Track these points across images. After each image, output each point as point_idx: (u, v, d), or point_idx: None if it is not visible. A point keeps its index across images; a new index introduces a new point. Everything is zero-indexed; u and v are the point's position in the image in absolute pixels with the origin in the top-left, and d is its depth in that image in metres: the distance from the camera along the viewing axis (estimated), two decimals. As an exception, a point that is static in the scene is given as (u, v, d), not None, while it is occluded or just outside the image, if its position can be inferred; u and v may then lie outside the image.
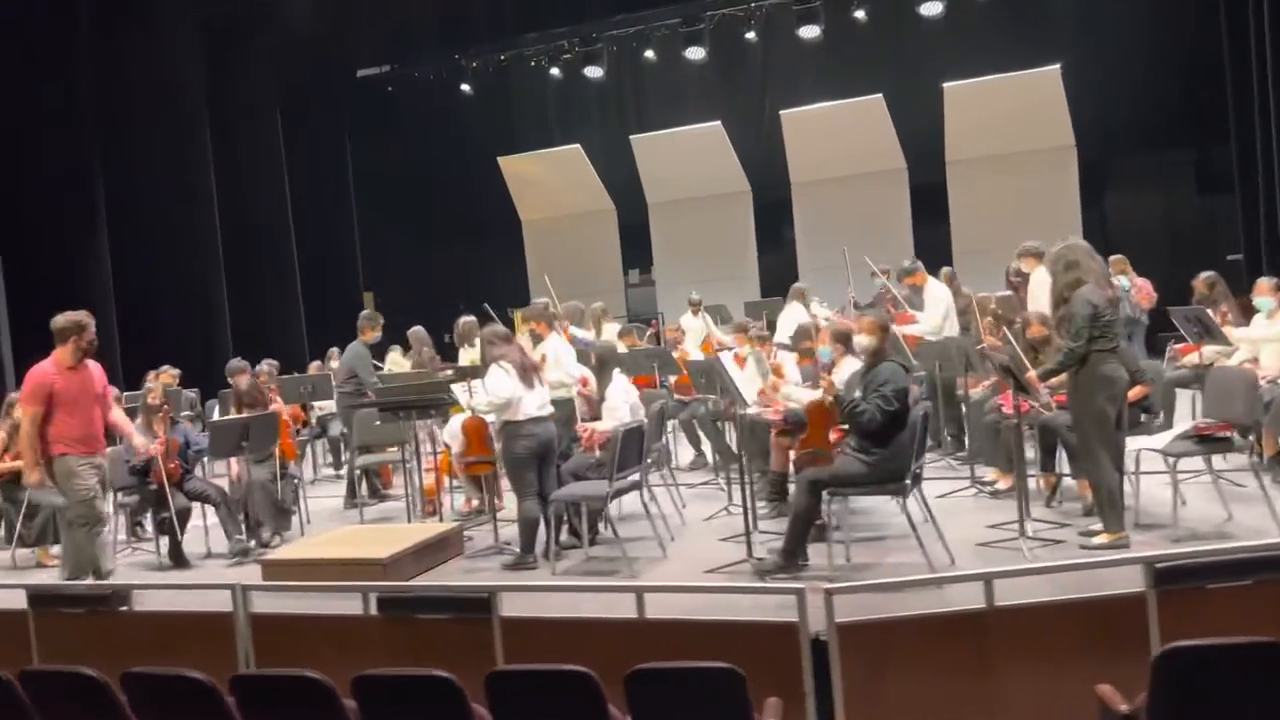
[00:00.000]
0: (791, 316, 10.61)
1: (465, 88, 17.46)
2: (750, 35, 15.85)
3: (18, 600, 6.00)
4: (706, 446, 8.79)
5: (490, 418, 6.30)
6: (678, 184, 16.33)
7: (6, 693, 4.01)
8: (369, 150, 17.92)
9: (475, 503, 8.02)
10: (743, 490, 5.92)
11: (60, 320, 6.14)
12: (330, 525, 8.14)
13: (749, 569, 5.61)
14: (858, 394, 5.25)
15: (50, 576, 7.21)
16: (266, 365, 10.03)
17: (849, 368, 5.95)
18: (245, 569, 7.05)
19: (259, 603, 5.33)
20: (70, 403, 6.12)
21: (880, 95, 14.55)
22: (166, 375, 10.30)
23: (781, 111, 15.24)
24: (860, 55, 15.36)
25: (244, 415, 7.26)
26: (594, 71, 16.73)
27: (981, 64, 14.13)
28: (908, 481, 5.28)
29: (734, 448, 8.75)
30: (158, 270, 13.22)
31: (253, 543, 7.36)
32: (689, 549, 6.33)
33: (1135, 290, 10.15)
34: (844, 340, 6.05)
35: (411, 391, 7.33)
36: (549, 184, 17.12)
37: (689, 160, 15.88)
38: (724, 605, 5.01)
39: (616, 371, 6.57)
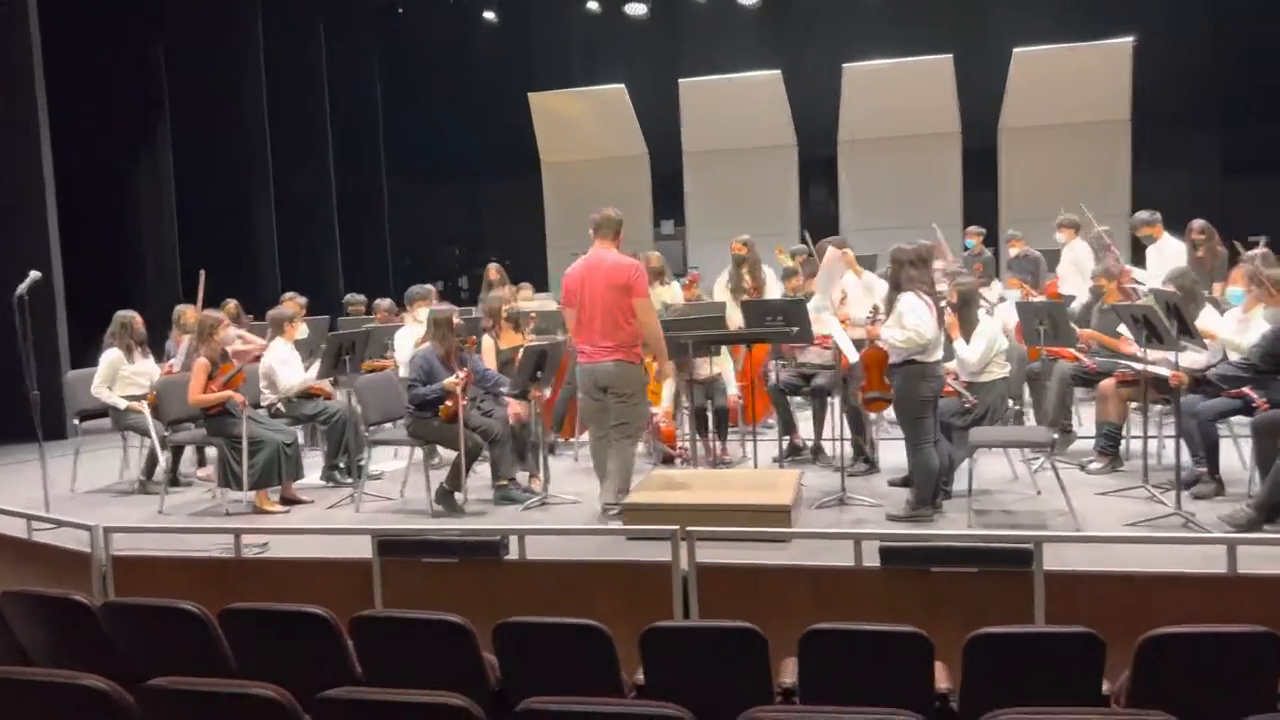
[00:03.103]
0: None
1: (489, 15, 16.41)
2: (810, -17, 15.44)
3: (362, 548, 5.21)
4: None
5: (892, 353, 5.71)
6: (720, 133, 15.70)
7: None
8: (388, 77, 16.61)
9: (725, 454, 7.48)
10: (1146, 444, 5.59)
11: (612, 212, 5.78)
12: (571, 474, 7.44)
13: (1178, 522, 5.29)
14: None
15: (283, 521, 6.30)
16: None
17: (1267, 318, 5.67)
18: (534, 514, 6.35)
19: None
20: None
21: (950, 56, 14.43)
22: (292, 302, 9.14)
23: (845, 65, 14.89)
24: (925, 12, 15.16)
25: (538, 342, 6.41)
26: (637, 9, 15.98)
27: (1053, 30, 14.18)
28: None
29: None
30: (216, 209, 12.09)
31: (516, 490, 6.61)
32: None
33: None
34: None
35: (708, 324, 6.72)
36: (582, 125, 16.15)
37: (739, 109, 15.31)
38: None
39: (982, 312, 6.11)
